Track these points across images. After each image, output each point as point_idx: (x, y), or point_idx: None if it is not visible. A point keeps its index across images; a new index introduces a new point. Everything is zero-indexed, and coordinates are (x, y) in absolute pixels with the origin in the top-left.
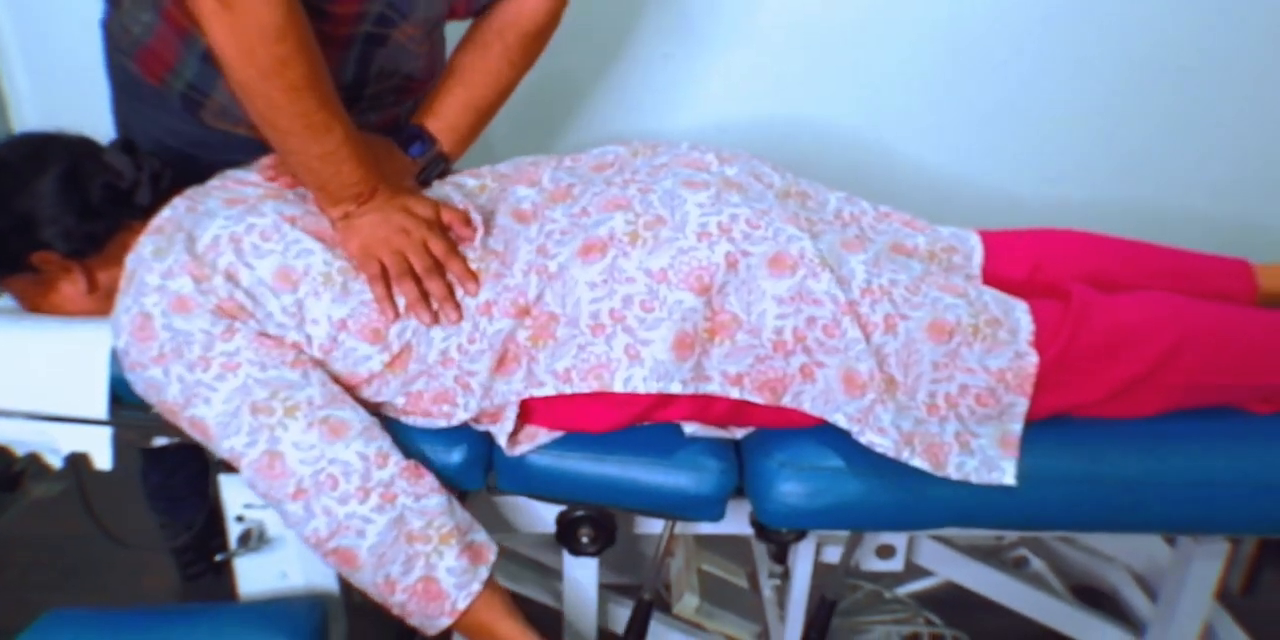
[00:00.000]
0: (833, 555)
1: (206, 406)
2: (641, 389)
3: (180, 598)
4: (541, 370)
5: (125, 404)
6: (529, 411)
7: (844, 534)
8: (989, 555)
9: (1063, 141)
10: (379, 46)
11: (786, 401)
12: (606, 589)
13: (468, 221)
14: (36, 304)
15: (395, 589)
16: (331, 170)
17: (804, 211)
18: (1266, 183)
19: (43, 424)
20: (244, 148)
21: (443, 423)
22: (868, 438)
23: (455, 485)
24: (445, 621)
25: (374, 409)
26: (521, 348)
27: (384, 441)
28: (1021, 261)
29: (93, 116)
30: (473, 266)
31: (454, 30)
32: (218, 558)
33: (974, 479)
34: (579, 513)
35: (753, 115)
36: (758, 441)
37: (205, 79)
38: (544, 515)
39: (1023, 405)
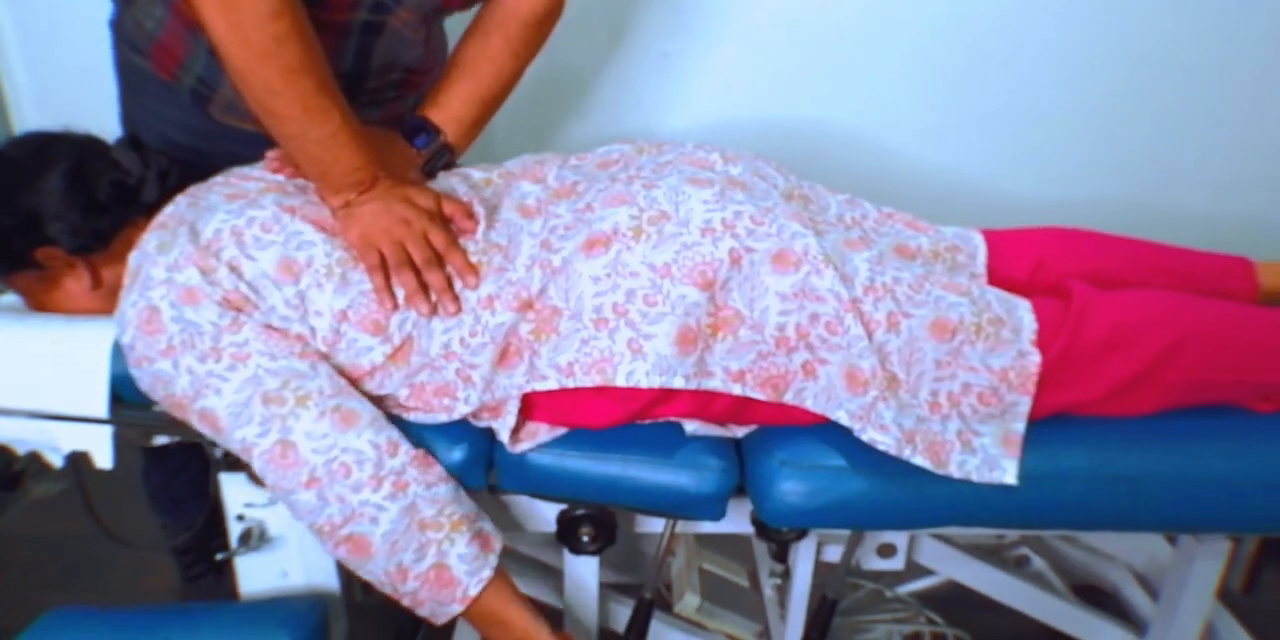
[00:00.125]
0: (834, 554)
1: (217, 397)
2: (644, 383)
3: (181, 597)
4: (544, 364)
5: (126, 403)
6: (530, 407)
7: (845, 533)
8: (990, 554)
9: (1063, 140)
10: (377, 36)
11: (788, 398)
12: (607, 588)
13: (470, 214)
14: (41, 301)
15: (407, 577)
16: (331, 156)
17: (807, 213)
18: (1267, 181)
19: (43, 422)
20: (251, 142)
21: (444, 417)
22: (869, 435)
23: None
24: (456, 608)
25: (376, 404)
26: (524, 341)
27: (393, 431)
28: (1023, 260)
29: (94, 116)
30: (475, 259)
31: (456, 29)
32: (218, 557)
33: (975, 478)
34: (580, 511)
35: (752, 115)
36: (758, 440)
37: (213, 73)
38: (545, 514)
39: (1025, 404)
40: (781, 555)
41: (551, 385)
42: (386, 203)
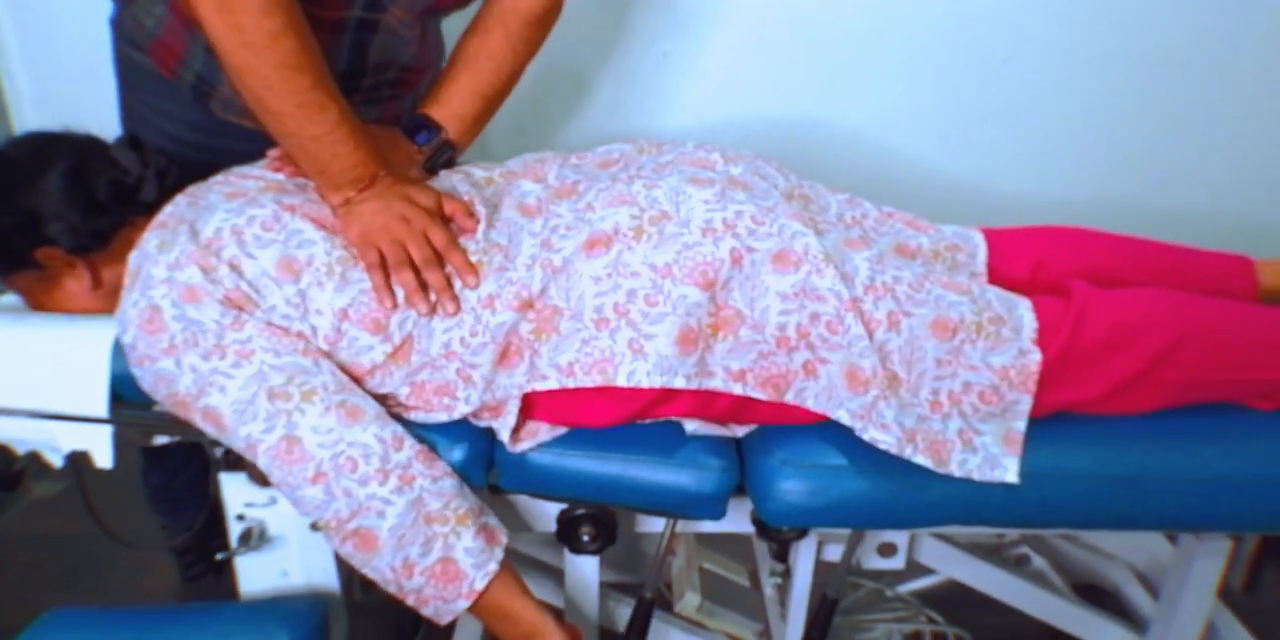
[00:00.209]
0: (834, 553)
1: (221, 395)
2: (645, 383)
3: (181, 597)
4: (544, 363)
5: (126, 402)
6: (530, 406)
7: (845, 532)
8: (990, 553)
9: (1064, 139)
10: (371, 33)
11: (789, 398)
12: (608, 587)
13: (470, 213)
14: (41, 301)
15: (413, 572)
16: (329, 154)
17: (807, 212)
18: (1267, 180)
19: (43, 422)
20: (251, 138)
21: (444, 416)
22: (870, 434)
23: None
24: (463, 604)
25: (378, 402)
26: (524, 341)
27: (397, 426)
28: (1023, 259)
29: (93, 115)
30: (475, 258)
31: (456, 28)
32: (218, 557)
33: (976, 476)
34: (580, 511)
35: (752, 114)
36: (759, 439)
37: (212, 70)
38: (545, 513)
39: (1026, 403)
40: (782, 554)
41: (552, 385)
42: (387, 201)
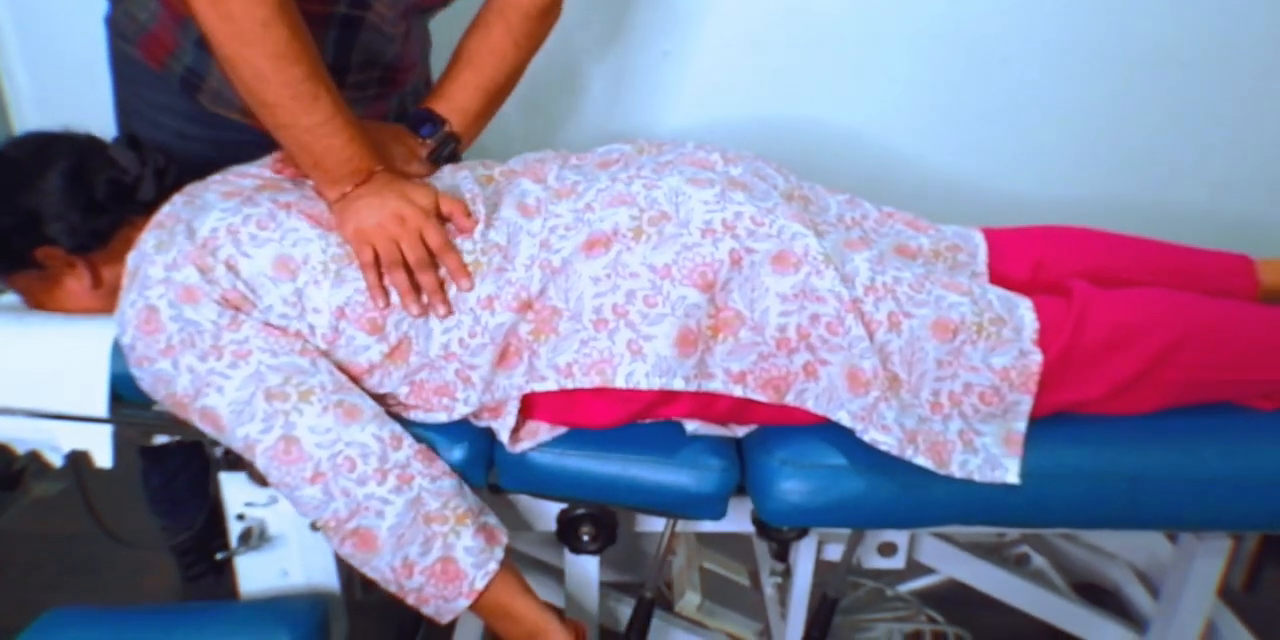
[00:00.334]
0: (834, 553)
1: (219, 395)
2: (644, 385)
3: (181, 597)
4: (543, 364)
5: (126, 401)
6: (530, 406)
7: (845, 532)
8: (991, 552)
9: (1064, 139)
10: (356, 30)
11: (790, 400)
12: (608, 587)
13: (467, 213)
14: (41, 300)
15: (413, 571)
16: (323, 146)
17: (807, 214)
18: (1267, 179)
19: (43, 422)
20: (241, 129)
21: (443, 416)
22: (871, 436)
23: None
24: (463, 603)
25: (377, 402)
26: (523, 342)
27: (395, 425)
28: (1024, 259)
29: (93, 115)
30: (473, 258)
31: (455, 27)
32: (218, 556)
33: (977, 477)
34: (580, 511)
35: (752, 114)
36: (759, 439)
37: (201, 63)
38: (545, 513)
39: (1027, 403)
40: (782, 554)
41: (550, 386)
42: (383, 197)
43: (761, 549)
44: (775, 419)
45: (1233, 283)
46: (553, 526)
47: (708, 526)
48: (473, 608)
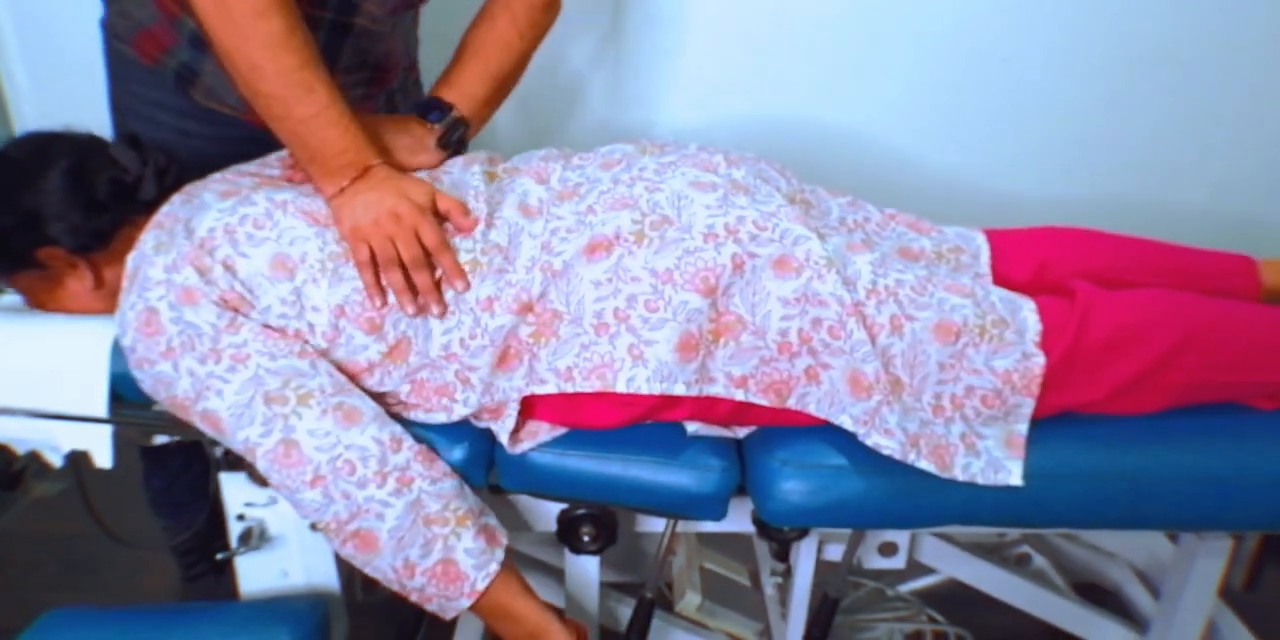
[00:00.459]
0: (835, 553)
1: (219, 399)
2: (644, 390)
3: (181, 597)
4: (543, 367)
5: (126, 402)
6: (530, 407)
7: (846, 532)
8: (991, 552)
9: (1064, 139)
10: (345, 34)
11: (791, 404)
12: (608, 587)
13: (466, 211)
14: (43, 301)
15: (414, 573)
16: (318, 138)
17: (809, 218)
18: (1268, 178)
19: (43, 422)
20: (234, 124)
21: (442, 417)
22: (874, 440)
23: None
24: (465, 603)
25: (377, 401)
26: (524, 344)
27: (396, 427)
28: (1026, 260)
29: (92, 115)
30: (472, 258)
31: (453, 24)
32: (219, 557)
33: (980, 480)
34: (580, 511)
35: (752, 114)
36: (760, 440)
37: (196, 60)
38: (545, 513)
39: (1029, 406)
40: (783, 554)
41: (550, 389)
42: (380, 193)
43: (762, 549)
44: (776, 421)
45: (1234, 283)
46: (553, 527)
47: (708, 526)
48: (473, 608)
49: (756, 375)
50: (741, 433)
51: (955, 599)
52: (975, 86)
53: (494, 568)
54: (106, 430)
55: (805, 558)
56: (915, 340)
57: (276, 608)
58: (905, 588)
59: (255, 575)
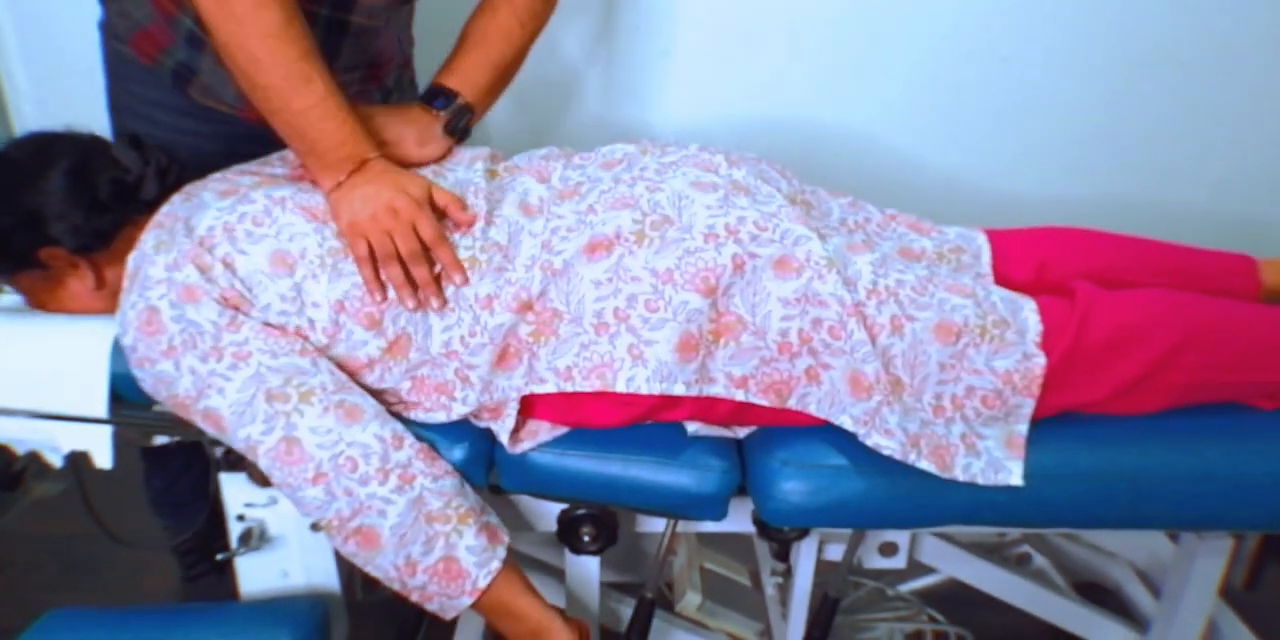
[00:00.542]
0: (835, 553)
1: (220, 397)
2: (644, 390)
3: (181, 597)
4: (543, 367)
5: (126, 402)
6: (531, 406)
7: (846, 532)
8: (992, 552)
9: (1064, 139)
10: (342, 32)
11: (792, 404)
12: (608, 587)
13: (463, 206)
14: (44, 301)
15: (416, 570)
16: (315, 130)
17: (810, 219)
18: (1267, 179)
19: (43, 422)
20: (231, 122)
21: (441, 416)
22: (874, 440)
23: None
24: (466, 601)
25: (378, 399)
26: (523, 343)
27: (397, 425)
28: (1027, 260)
29: (92, 115)
30: (472, 255)
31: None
32: (219, 557)
33: (981, 480)
34: (580, 511)
35: (752, 114)
36: (760, 440)
37: (194, 58)
38: (545, 513)
39: (1029, 407)
40: (783, 554)
41: (549, 389)
42: (377, 187)
43: (762, 549)
44: (776, 421)
45: (1235, 283)
46: (553, 527)
47: (708, 526)
48: (475, 607)
49: (757, 375)
50: (742, 433)
51: (956, 599)
52: (975, 86)
53: (496, 565)
54: (106, 431)
55: (806, 558)
56: (916, 340)
57: (276, 608)
58: (906, 587)
59: (255, 575)
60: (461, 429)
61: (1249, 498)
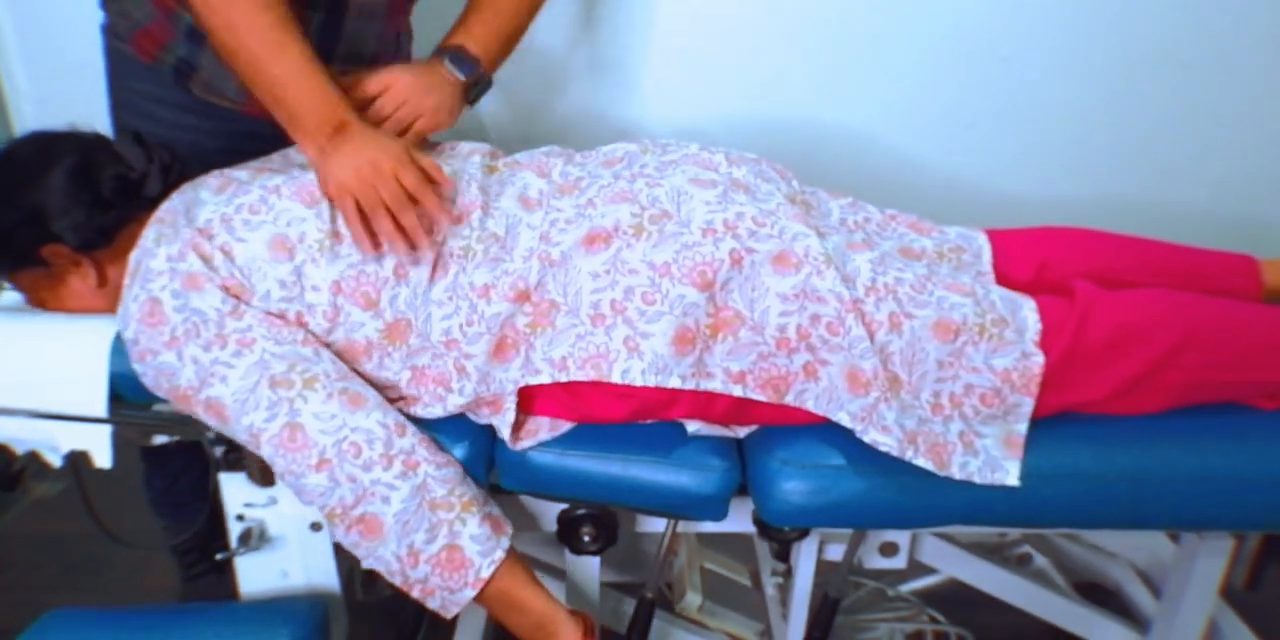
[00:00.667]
0: (835, 553)
1: (223, 385)
2: (639, 382)
3: (181, 597)
4: (538, 357)
5: (125, 401)
6: (531, 402)
7: (847, 532)
8: (992, 552)
9: (1064, 138)
10: (340, 17)
11: (789, 400)
12: (609, 587)
13: (439, 168)
14: (44, 298)
15: (419, 560)
16: (294, 94)
17: (809, 218)
18: (1267, 178)
19: (42, 422)
20: (232, 118)
21: (439, 409)
22: (871, 436)
23: None
24: (469, 593)
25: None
26: (520, 334)
27: (399, 414)
28: (1028, 260)
29: (92, 115)
30: (468, 246)
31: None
32: (218, 557)
33: (977, 479)
34: (580, 511)
35: (752, 113)
36: (760, 440)
37: (194, 54)
38: (546, 514)
39: (1028, 405)
40: (783, 554)
41: (544, 379)
42: (356, 146)
43: (763, 549)
44: (775, 419)
45: (1236, 283)
46: (553, 527)
47: (709, 527)
48: (480, 599)
49: (755, 371)
50: (742, 432)
51: (956, 599)
52: (975, 86)
53: (499, 555)
54: (106, 430)
55: (806, 558)
56: (914, 338)
57: (276, 608)
58: (906, 588)
59: (255, 575)
60: (462, 427)
61: (1250, 498)
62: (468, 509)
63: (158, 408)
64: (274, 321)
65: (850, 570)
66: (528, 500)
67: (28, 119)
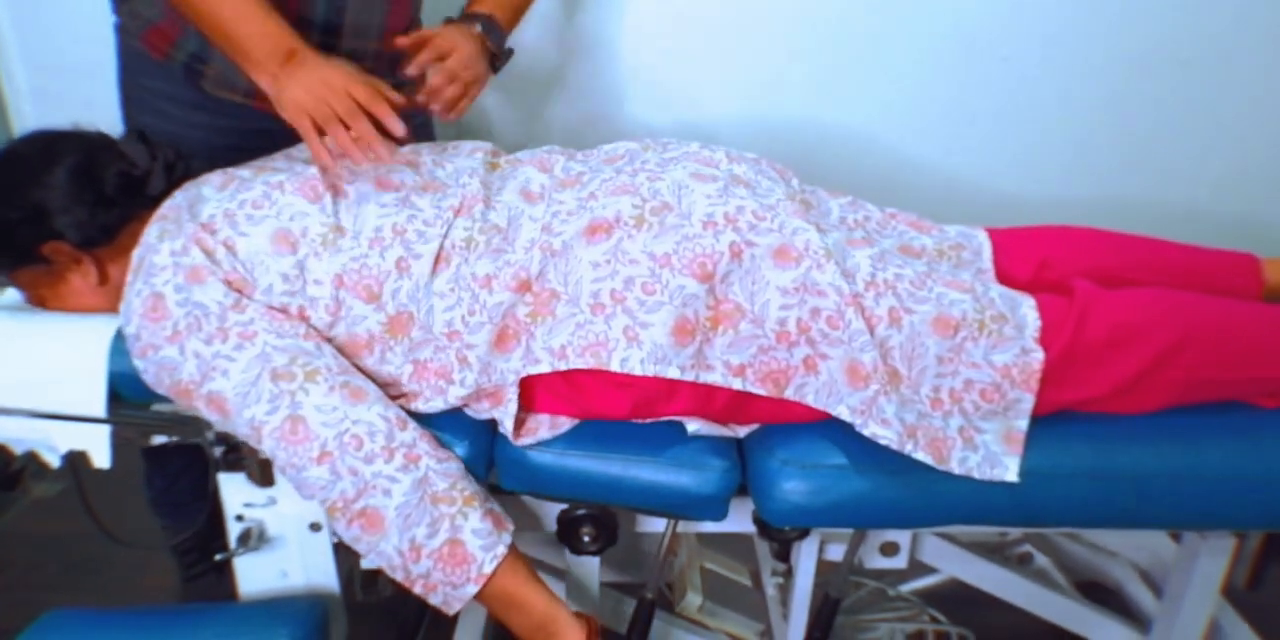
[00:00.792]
0: (836, 553)
1: (225, 379)
2: (638, 371)
3: (181, 597)
4: (538, 347)
5: (124, 401)
6: (531, 397)
7: (847, 531)
8: (993, 552)
9: (1064, 138)
10: None
11: (789, 394)
12: (609, 587)
13: (389, 88)
14: (44, 297)
15: (420, 555)
16: (244, 31)
17: (809, 215)
18: (1268, 178)
19: (41, 422)
20: (242, 116)
21: (439, 402)
22: (871, 429)
23: None
24: (471, 589)
25: (380, 388)
26: (521, 324)
27: (399, 409)
28: (1028, 259)
29: (92, 115)
30: (470, 236)
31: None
32: (218, 557)
33: (976, 475)
34: (580, 511)
35: (752, 113)
36: (760, 439)
37: (204, 48)
38: (545, 514)
39: (1028, 402)
40: (784, 554)
41: (544, 368)
42: (307, 69)
43: (763, 549)
44: (774, 415)
45: (1237, 282)
46: (553, 527)
47: (709, 527)
48: (481, 596)
49: (754, 364)
50: (742, 432)
51: (957, 599)
52: (975, 86)
53: (501, 550)
54: (105, 430)
55: (806, 558)
56: (914, 333)
57: (276, 608)
58: (907, 587)
59: (254, 575)
60: (462, 426)
61: (1251, 496)
62: (470, 503)
63: (157, 408)
64: (276, 315)
65: (851, 570)
66: (528, 500)
67: (28, 119)
